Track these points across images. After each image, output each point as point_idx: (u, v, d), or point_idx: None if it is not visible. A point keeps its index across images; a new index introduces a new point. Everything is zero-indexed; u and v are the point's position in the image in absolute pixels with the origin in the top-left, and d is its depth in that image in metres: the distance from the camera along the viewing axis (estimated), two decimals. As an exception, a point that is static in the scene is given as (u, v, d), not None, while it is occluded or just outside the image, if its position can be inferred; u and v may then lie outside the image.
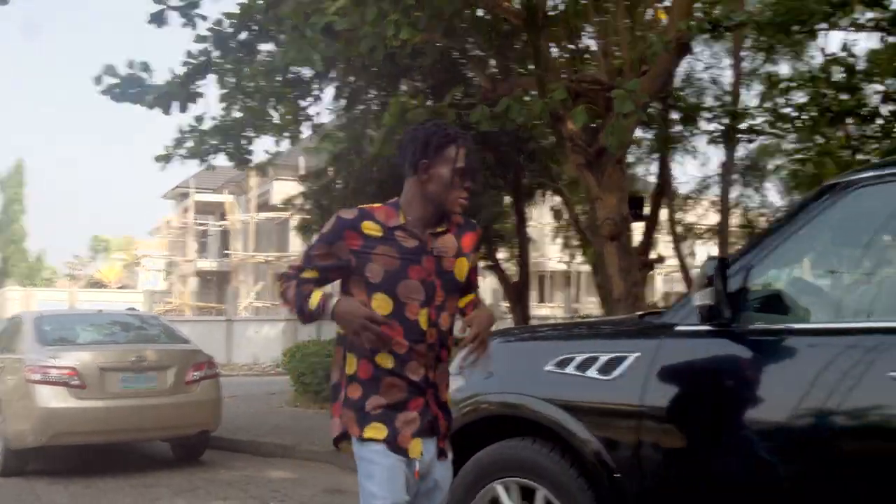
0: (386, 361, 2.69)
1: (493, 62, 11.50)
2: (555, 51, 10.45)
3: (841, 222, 3.07)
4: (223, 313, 25.40)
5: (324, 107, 20.88)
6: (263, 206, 32.31)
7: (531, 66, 9.64)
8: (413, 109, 8.58)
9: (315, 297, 2.71)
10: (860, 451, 2.73)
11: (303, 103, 11.21)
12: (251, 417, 10.25)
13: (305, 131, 11.83)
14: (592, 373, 3.32)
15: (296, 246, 28.04)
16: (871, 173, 2.99)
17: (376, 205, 2.84)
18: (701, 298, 2.90)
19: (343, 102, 12.44)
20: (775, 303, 3.08)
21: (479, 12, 10.38)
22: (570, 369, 3.40)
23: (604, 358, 3.30)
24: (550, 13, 9.71)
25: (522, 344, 4.12)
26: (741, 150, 14.69)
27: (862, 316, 2.97)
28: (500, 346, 4.02)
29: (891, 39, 11.06)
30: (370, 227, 2.72)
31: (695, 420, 3.11)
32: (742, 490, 2.93)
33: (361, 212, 2.76)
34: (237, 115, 10.21)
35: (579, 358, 3.38)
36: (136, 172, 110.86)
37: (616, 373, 3.24)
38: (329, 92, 12.24)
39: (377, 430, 2.69)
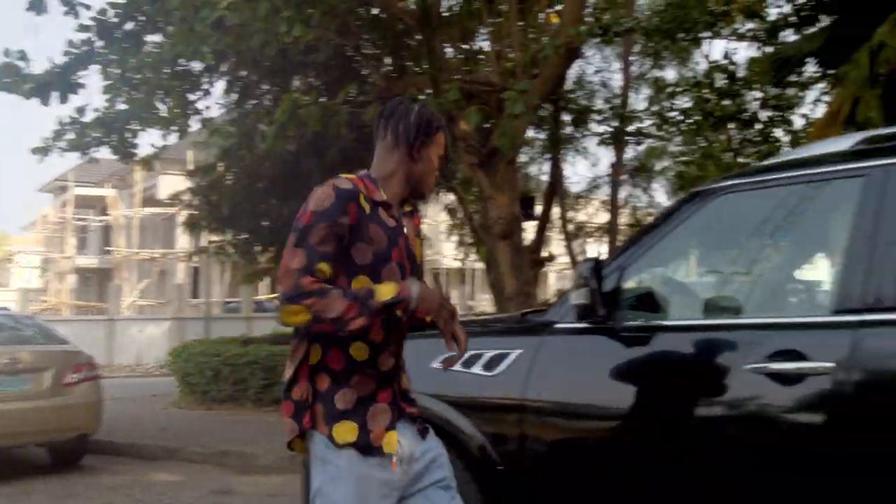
0: (361, 352, 2.46)
1: (388, 60, 11.61)
2: (450, 51, 10.66)
3: (706, 227, 3.34)
4: (104, 312, 24.68)
5: (214, 101, 20.58)
6: (149, 200, 31.58)
7: (426, 66, 9.79)
8: (305, 106, 8.63)
9: (385, 288, 2.39)
10: (723, 438, 2.98)
11: (191, 97, 11.08)
12: (134, 420, 10.07)
13: (194, 125, 11.68)
14: (477, 369, 3.49)
15: (183, 242, 27.51)
16: (732, 182, 3.27)
17: (351, 175, 2.51)
18: (577, 298, 3.12)
19: (234, 97, 12.35)
20: (648, 301, 3.32)
21: (374, 10, 10.49)
22: (455, 366, 3.56)
23: (488, 355, 3.49)
24: (445, 14, 9.91)
25: (411, 342, 4.26)
26: (630, 152, 15.26)
27: (726, 313, 3.24)
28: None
29: (768, 49, 11.67)
30: (363, 202, 2.44)
31: (573, 413, 3.33)
32: (619, 478, 3.15)
33: (355, 182, 2.45)
34: (122, 107, 10.01)
35: (465, 355, 3.54)
36: (10, 164, 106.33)
37: (499, 369, 3.43)
38: (220, 86, 12.16)
39: (348, 432, 2.41)
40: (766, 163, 3.66)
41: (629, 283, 3.30)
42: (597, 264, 3.13)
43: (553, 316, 3.49)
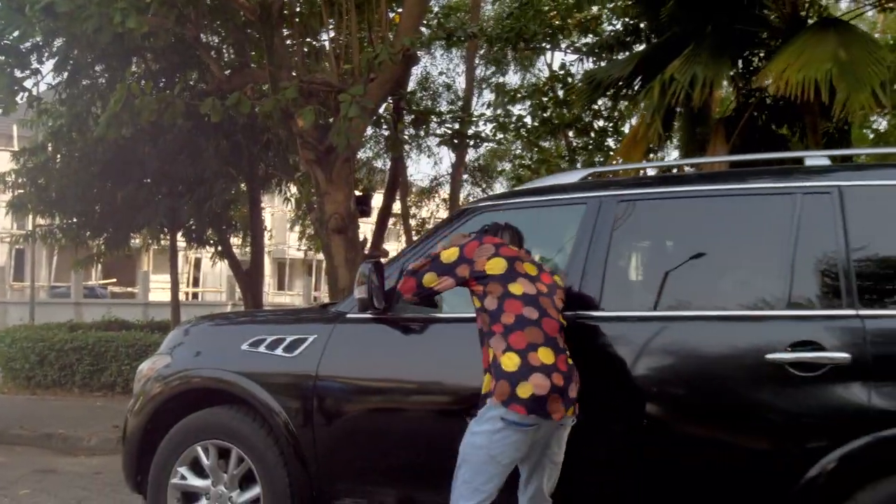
0: None
1: (229, 52, 12.12)
2: (292, 46, 11.28)
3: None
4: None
5: (43, 80, 20.13)
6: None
7: (265, 62, 10.35)
8: (141, 97, 9.08)
9: None
10: (454, 406, 3.94)
11: (19, 74, 11.13)
12: (-48, 406, 10.36)
13: (21, 102, 11.68)
14: (279, 351, 4.38)
15: (6, 224, 26.96)
16: (490, 202, 4.29)
17: None
18: (359, 293, 4.05)
19: (65, 76, 12.40)
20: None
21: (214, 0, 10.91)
22: (261, 349, 4.44)
23: (289, 339, 4.38)
24: (286, 11, 10.53)
25: (225, 327, 5.11)
26: (473, 153, 16.39)
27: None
28: (207, 328, 5.03)
29: (602, 64, 12.97)
30: None
31: (354, 389, 4.25)
32: (388, 441, 4.10)
33: None
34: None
35: (269, 339, 4.43)
36: None
37: (297, 351, 4.33)
38: (51, 64, 12.28)
39: None
40: (518, 188, 4.67)
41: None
42: (376, 265, 4.07)
43: (345, 307, 4.41)
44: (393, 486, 4.11)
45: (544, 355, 3.38)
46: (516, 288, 3.53)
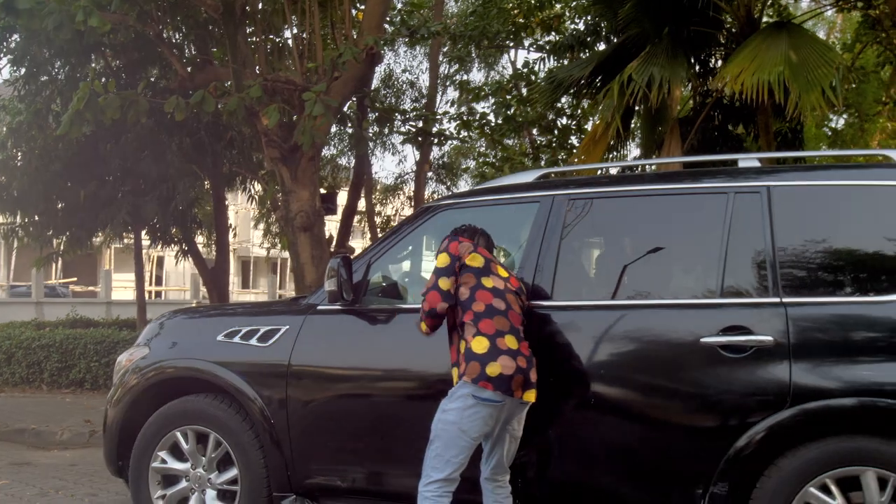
0: None
1: (191, 49, 12.37)
2: (256, 44, 11.55)
3: (430, 234, 4.77)
4: None
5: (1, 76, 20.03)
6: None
7: (228, 59, 10.58)
8: (105, 95, 9.29)
9: None
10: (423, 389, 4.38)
11: None
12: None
13: None
14: (253, 342, 4.79)
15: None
16: (450, 201, 4.74)
17: None
18: (329, 285, 4.47)
19: (23, 72, 12.32)
20: (392, 289, 4.75)
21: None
22: (236, 339, 4.85)
23: (262, 330, 4.79)
24: (248, 8, 10.79)
25: (200, 319, 5.51)
26: (437, 150, 16.80)
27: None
28: (183, 320, 5.42)
29: (565, 62, 13.44)
30: None
31: (327, 376, 4.67)
32: (362, 428, 4.51)
33: None
34: None
35: (243, 330, 4.84)
36: None
37: (271, 341, 4.74)
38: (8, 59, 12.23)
39: None
40: (477, 187, 5.12)
41: (374, 276, 4.71)
42: (345, 259, 4.50)
43: (316, 299, 4.84)
44: (363, 465, 4.54)
45: (510, 341, 3.85)
46: (488, 282, 3.99)
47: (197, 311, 6.22)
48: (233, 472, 4.79)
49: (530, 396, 3.87)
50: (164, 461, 4.95)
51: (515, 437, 4.04)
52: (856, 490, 3.53)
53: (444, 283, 4.01)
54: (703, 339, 3.81)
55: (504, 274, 4.09)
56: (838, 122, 16.95)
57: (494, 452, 4.04)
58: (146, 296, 15.33)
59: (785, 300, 3.77)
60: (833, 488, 3.55)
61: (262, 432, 4.70)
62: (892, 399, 3.48)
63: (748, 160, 4.34)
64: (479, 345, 3.83)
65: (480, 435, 3.89)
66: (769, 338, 3.70)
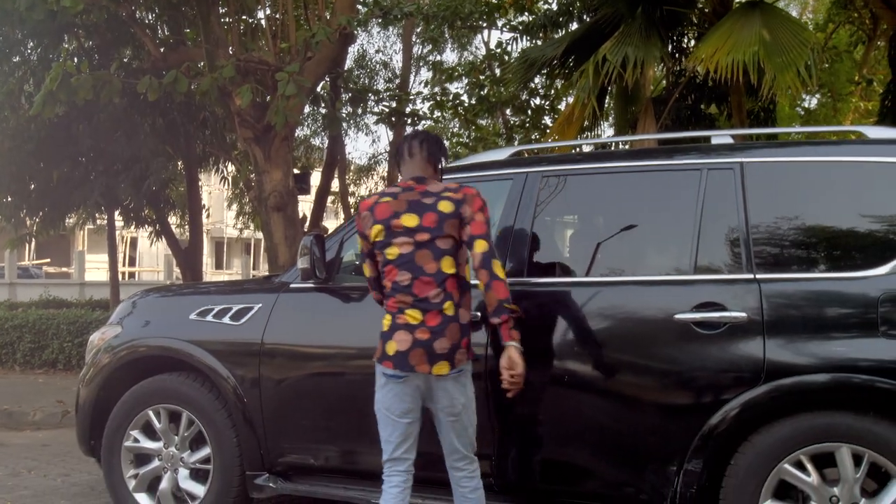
0: None
1: (164, 29, 12.22)
2: (229, 24, 11.41)
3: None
4: None
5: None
6: None
7: (201, 40, 10.48)
8: (77, 76, 9.19)
9: None
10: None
11: None
12: None
13: None
14: (226, 320, 4.71)
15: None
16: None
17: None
18: (302, 263, 4.39)
19: None
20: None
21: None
22: (209, 318, 4.77)
23: (235, 308, 4.71)
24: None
25: (173, 298, 5.42)
26: (409, 130, 16.66)
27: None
28: (156, 299, 5.34)
29: (538, 43, 13.35)
30: None
31: (300, 354, 4.60)
32: (335, 406, 4.45)
33: None
34: None
35: (216, 308, 4.76)
36: None
37: (244, 320, 4.66)
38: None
39: None
40: (451, 164, 5.04)
41: (347, 254, 4.63)
42: (317, 237, 4.43)
43: (289, 278, 4.76)
44: (336, 444, 4.47)
45: (411, 316, 3.65)
46: (392, 251, 3.75)
47: (170, 289, 6.11)
48: (205, 451, 4.71)
49: (440, 369, 3.64)
50: (136, 440, 4.87)
51: (453, 415, 3.75)
52: (831, 466, 3.49)
53: (367, 270, 3.96)
54: (676, 316, 3.76)
55: (412, 222, 3.72)
56: (811, 101, 17.02)
57: (441, 434, 3.84)
58: (120, 276, 15.20)
59: (758, 276, 3.72)
60: (808, 465, 3.51)
61: (235, 411, 4.63)
62: (866, 375, 3.44)
63: (721, 137, 4.29)
64: (385, 323, 3.72)
65: (403, 412, 3.72)
66: (743, 314, 3.66)
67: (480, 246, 3.70)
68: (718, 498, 3.66)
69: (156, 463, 4.84)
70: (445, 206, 3.74)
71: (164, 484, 4.80)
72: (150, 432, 4.87)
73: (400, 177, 3.96)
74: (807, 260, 3.79)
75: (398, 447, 3.74)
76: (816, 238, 3.82)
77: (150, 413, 4.84)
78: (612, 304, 4.03)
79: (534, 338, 4.03)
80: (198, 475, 4.76)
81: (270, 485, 4.54)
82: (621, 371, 3.92)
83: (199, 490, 4.71)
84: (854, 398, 3.50)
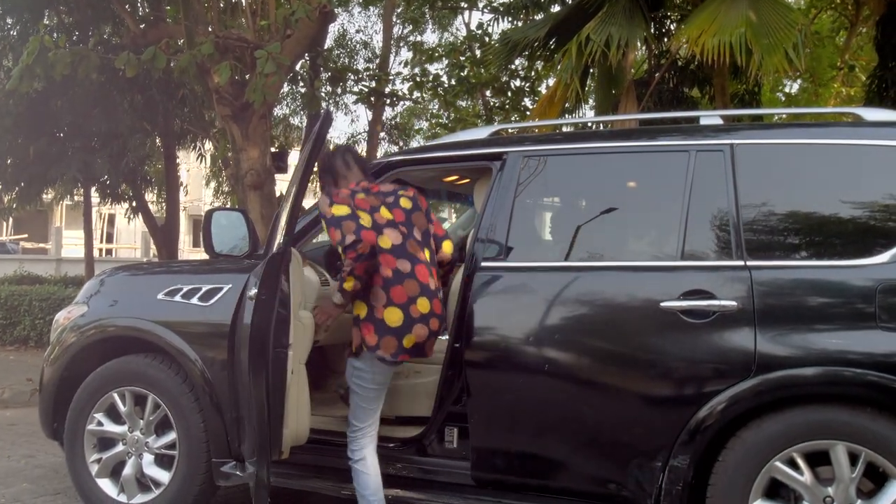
0: None
1: (144, 6, 11.91)
2: (208, 1, 11.10)
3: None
4: None
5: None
6: None
7: (180, 16, 10.21)
8: (55, 50, 8.91)
9: None
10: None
11: None
12: None
13: None
14: (195, 301, 4.43)
15: None
16: (401, 157, 4.41)
17: None
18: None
19: None
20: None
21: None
22: (177, 298, 4.48)
23: (204, 288, 4.43)
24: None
25: (141, 276, 5.13)
26: (390, 111, 16.40)
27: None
28: (124, 277, 5.04)
29: (519, 24, 13.07)
30: None
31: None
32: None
33: None
34: None
35: (185, 288, 4.48)
36: None
37: (213, 300, 4.38)
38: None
39: None
40: (428, 143, 4.80)
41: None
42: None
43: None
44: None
45: (422, 305, 3.81)
46: (384, 241, 3.83)
47: (140, 267, 5.81)
48: (171, 437, 4.42)
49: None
50: (100, 423, 4.58)
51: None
52: (826, 465, 3.25)
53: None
54: (663, 304, 3.51)
55: (389, 216, 3.90)
56: (792, 87, 16.83)
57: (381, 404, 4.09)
58: (97, 253, 14.90)
59: (749, 263, 3.48)
60: (801, 463, 3.26)
61: (202, 395, 4.34)
62: (861, 368, 3.21)
63: (710, 117, 4.04)
64: (395, 316, 3.81)
65: (385, 383, 4.03)
66: (733, 303, 3.42)
67: (449, 246, 4.09)
68: (706, 496, 3.41)
69: (120, 447, 4.55)
70: (406, 203, 3.97)
71: (128, 469, 4.51)
72: (114, 416, 4.58)
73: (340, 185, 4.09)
74: (801, 247, 3.55)
75: (375, 414, 3.93)
76: (811, 224, 3.57)
77: (115, 395, 4.56)
78: (596, 290, 3.78)
79: (512, 324, 3.80)
80: (163, 461, 4.47)
81: (237, 472, 4.26)
82: (604, 361, 3.68)
83: (163, 476, 4.43)
84: (850, 393, 3.27)
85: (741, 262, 3.50)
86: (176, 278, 4.68)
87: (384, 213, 3.86)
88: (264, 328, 3.77)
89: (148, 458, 4.49)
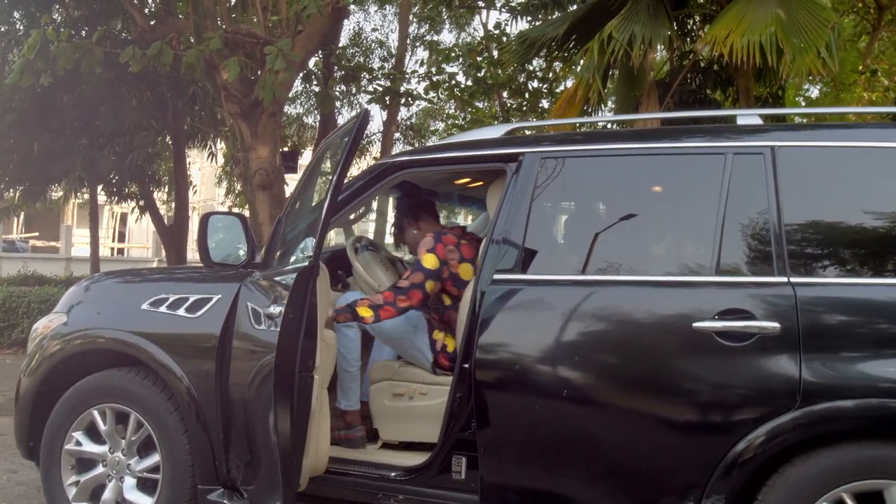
0: None
1: (155, 1, 11.63)
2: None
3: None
4: None
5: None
6: None
7: (189, 11, 9.92)
8: (57, 44, 8.62)
9: None
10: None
11: None
12: None
13: None
14: (181, 312, 4.05)
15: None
16: (409, 157, 4.02)
17: None
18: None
19: None
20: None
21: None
22: (162, 308, 4.11)
23: (192, 298, 4.05)
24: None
25: (127, 284, 4.74)
26: (405, 111, 16.04)
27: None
28: (109, 285, 4.67)
29: (536, 23, 12.69)
30: None
31: (259, 349, 3.94)
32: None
33: None
34: None
35: (171, 298, 4.10)
36: None
37: (200, 312, 4.01)
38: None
39: None
40: (438, 143, 4.41)
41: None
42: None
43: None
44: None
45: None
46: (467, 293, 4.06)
47: (129, 273, 5.43)
48: (155, 459, 4.03)
49: None
50: (78, 443, 4.19)
51: None
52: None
53: (431, 286, 4.08)
54: (696, 324, 3.11)
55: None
56: (812, 91, 16.36)
57: None
58: (109, 252, 14.66)
59: (793, 280, 3.08)
60: (851, 504, 2.88)
61: (188, 414, 3.96)
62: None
63: (748, 116, 3.63)
64: (447, 339, 4.12)
65: None
66: (775, 324, 3.02)
67: None
68: (744, 540, 3.02)
69: (100, 469, 4.16)
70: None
71: (108, 494, 4.10)
72: (94, 435, 4.20)
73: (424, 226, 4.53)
74: (851, 262, 3.14)
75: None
76: (863, 236, 3.15)
77: (95, 413, 4.17)
78: (622, 308, 3.37)
79: (529, 344, 3.40)
80: (145, 485, 4.08)
81: (225, 501, 3.88)
82: (630, 387, 3.26)
83: (145, 502, 4.05)
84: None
85: (784, 279, 3.10)
86: (163, 287, 4.31)
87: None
88: (291, 350, 3.37)
89: (130, 481, 4.10)
